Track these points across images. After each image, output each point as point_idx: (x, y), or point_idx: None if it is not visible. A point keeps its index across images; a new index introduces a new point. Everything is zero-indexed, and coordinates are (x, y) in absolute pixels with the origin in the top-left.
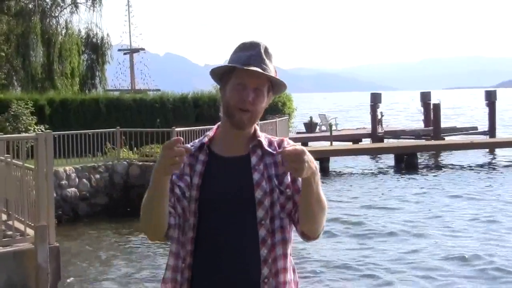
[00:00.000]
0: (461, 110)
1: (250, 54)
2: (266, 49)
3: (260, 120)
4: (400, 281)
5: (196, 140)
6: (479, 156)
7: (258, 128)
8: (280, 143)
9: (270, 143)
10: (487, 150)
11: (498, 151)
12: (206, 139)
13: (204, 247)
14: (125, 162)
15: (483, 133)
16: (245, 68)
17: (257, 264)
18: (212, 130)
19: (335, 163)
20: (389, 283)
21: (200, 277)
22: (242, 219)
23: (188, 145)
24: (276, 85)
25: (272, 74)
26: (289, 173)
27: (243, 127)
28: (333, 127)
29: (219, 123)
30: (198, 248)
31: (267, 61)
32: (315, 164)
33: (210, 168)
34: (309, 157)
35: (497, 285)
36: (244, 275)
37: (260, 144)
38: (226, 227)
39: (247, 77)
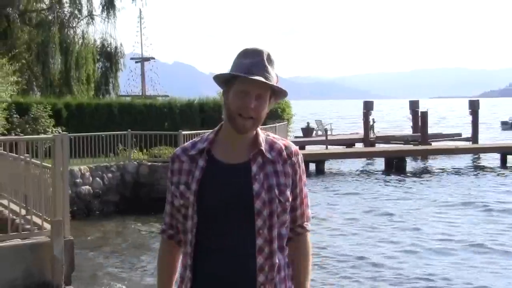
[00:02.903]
0: (447, 118)
1: (253, 61)
2: (268, 56)
3: (261, 125)
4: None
5: (197, 139)
6: (463, 160)
7: (260, 132)
8: (281, 150)
9: (271, 147)
10: (470, 154)
11: (480, 156)
12: (206, 144)
13: (203, 250)
14: (135, 163)
15: (467, 139)
16: (252, 78)
17: (254, 272)
18: (213, 132)
19: (330, 165)
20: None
21: (199, 278)
22: (240, 226)
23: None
24: (277, 92)
25: (274, 81)
26: (290, 187)
27: (245, 132)
28: (329, 132)
29: (221, 123)
30: (198, 251)
31: (269, 68)
32: None
33: (209, 174)
34: None
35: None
36: (240, 282)
37: (261, 152)
38: (224, 233)
39: (250, 85)
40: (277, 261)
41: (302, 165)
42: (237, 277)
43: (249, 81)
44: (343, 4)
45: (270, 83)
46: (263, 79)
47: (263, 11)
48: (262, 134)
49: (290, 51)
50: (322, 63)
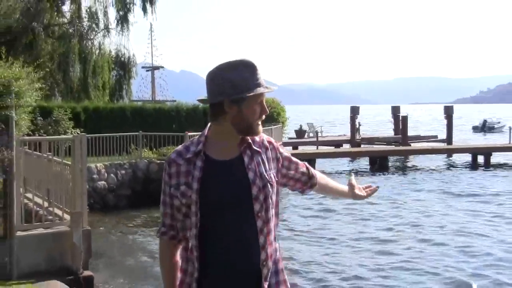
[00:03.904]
0: (425, 122)
1: (257, 75)
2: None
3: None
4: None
5: (187, 143)
6: (438, 160)
7: None
8: (262, 140)
9: (253, 140)
10: (445, 155)
11: (454, 155)
12: (201, 146)
13: (210, 242)
14: (146, 161)
15: (442, 140)
16: (272, 89)
17: (257, 250)
18: (202, 135)
19: (320, 164)
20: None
21: (209, 267)
22: (242, 213)
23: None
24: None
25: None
26: (275, 169)
27: (260, 133)
28: (319, 134)
29: (209, 126)
30: (205, 243)
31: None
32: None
33: (208, 172)
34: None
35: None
36: (247, 261)
37: (249, 145)
38: (228, 222)
39: (263, 96)
40: (274, 240)
41: (280, 147)
42: (242, 259)
43: (265, 92)
44: (334, 18)
45: (273, 89)
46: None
47: (262, 23)
48: None
49: (286, 60)
50: (314, 71)
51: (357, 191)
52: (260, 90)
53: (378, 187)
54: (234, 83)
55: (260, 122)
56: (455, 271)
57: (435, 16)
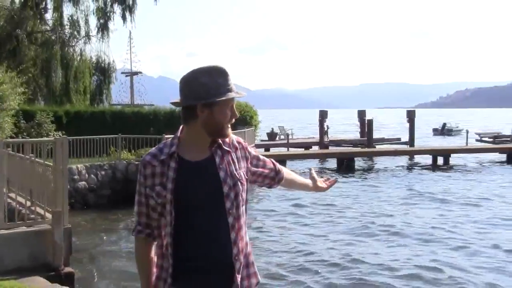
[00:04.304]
0: (389, 125)
1: (228, 81)
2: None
3: (232, 130)
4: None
5: (160, 145)
6: (401, 161)
7: None
8: (231, 141)
9: (223, 141)
10: (408, 156)
11: (415, 157)
12: (174, 148)
13: (184, 239)
14: (124, 162)
15: (405, 143)
16: (241, 94)
17: (229, 245)
18: (175, 138)
19: (290, 165)
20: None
21: (184, 262)
22: (214, 211)
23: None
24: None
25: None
26: (245, 168)
27: (228, 136)
28: (289, 137)
29: (181, 128)
30: (179, 240)
31: None
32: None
33: (181, 173)
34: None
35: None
36: (220, 256)
37: (219, 146)
38: (201, 220)
39: (233, 101)
40: (244, 235)
41: (249, 147)
42: (215, 254)
43: (234, 97)
44: (303, 26)
45: (244, 95)
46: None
47: (236, 32)
48: None
49: (258, 66)
50: (285, 77)
51: (318, 183)
52: (231, 95)
53: (336, 179)
54: (207, 88)
55: (229, 125)
56: (410, 261)
57: (397, 25)
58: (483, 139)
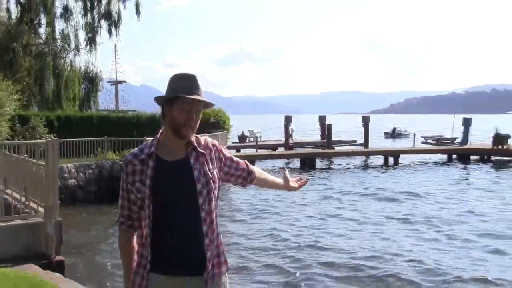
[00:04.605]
0: (346, 128)
1: (192, 84)
2: (198, 79)
3: (207, 132)
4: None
5: (142, 146)
6: (357, 160)
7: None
8: (206, 143)
9: (199, 143)
10: (363, 156)
11: (370, 157)
12: (153, 149)
13: (161, 230)
14: (110, 161)
15: (360, 144)
16: (192, 97)
17: (201, 237)
18: (155, 139)
19: (259, 165)
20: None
21: (161, 251)
22: (188, 206)
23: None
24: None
25: (205, 99)
26: (217, 168)
27: (188, 138)
28: (258, 139)
29: (161, 131)
30: (157, 231)
31: (201, 88)
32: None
33: (159, 171)
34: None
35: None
36: (193, 246)
37: (194, 147)
38: (176, 213)
39: (192, 103)
40: (215, 227)
41: (223, 149)
42: (189, 244)
43: (192, 100)
44: (271, 38)
45: (206, 100)
46: (201, 98)
47: (210, 46)
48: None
49: (230, 75)
50: (254, 86)
51: (290, 183)
52: (181, 94)
53: (308, 179)
54: (170, 88)
55: (190, 128)
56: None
57: (352, 40)
58: (428, 141)
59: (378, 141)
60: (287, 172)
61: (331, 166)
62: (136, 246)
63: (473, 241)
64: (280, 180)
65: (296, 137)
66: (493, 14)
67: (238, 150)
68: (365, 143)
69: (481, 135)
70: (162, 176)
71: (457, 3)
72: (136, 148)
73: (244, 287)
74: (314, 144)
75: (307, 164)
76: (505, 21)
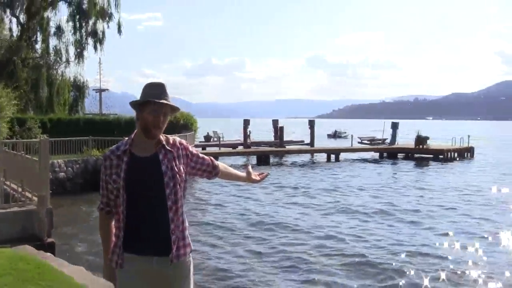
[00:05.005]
0: (296, 130)
1: (160, 91)
2: (166, 87)
3: (177, 133)
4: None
5: (120, 143)
6: (305, 157)
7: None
8: (174, 142)
9: (168, 142)
10: (309, 154)
11: (315, 155)
12: (127, 146)
13: (134, 215)
14: (94, 158)
15: (307, 144)
16: (160, 101)
17: (168, 222)
18: (130, 138)
19: (221, 161)
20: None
21: (134, 233)
22: (157, 195)
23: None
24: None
25: (172, 103)
26: (183, 164)
27: (156, 138)
28: (221, 139)
29: (135, 131)
30: (131, 216)
31: (169, 95)
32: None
33: (132, 165)
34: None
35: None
36: (161, 230)
37: (163, 146)
38: (147, 202)
39: (159, 107)
40: (180, 215)
41: (190, 147)
42: (156, 230)
43: (160, 104)
44: (230, 53)
45: (171, 104)
46: (168, 102)
47: (180, 58)
48: (162, 136)
49: (197, 85)
50: (218, 93)
51: (252, 176)
52: (151, 99)
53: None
54: (142, 95)
55: (158, 129)
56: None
57: (299, 53)
58: (363, 141)
59: (322, 141)
60: (250, 167)
61: (283, 162)
62: (113, 229)
63: (401, 220)
64: (243, 174)
65: (253, 138)
66: (415, 38)
67: (203, 148)
68: (311, 143)
69: (406, 137)
70: (135, 170)
71: (390, 27)
72: (114, 145)
73: (206, 265)
74: (268, 144)
75: (263, 160)
76: (425, 42)
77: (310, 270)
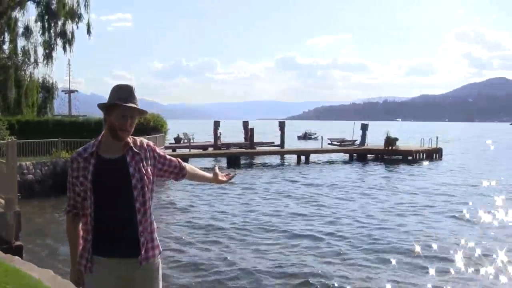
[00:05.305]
0: (266, 131)
1: (128, 94)
2: (134, 90)
3: (147, 135)
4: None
5: (87, 145)
6: (275, 159)
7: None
8: (142, 144)
9: (135, 144)
10: (279, 155)
11: (285, 156)
12: (94, 148)
13: (102, 218)
14: (63, 159)
15: (278, 145)
16: (127, 105)
17: (136, 224)
18: (97, 140)
19: (192, 162)
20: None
21: (102, 236)
22: (124, 198)
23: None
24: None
25: (139, 106)
26: (151, 165)
27: (123, 140)
28: (191, 141)
29: (103, 133)
30: (98, 218)
31: (136, 97)
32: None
33: (99, 167)
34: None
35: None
36: (129, 232)
37: (131, 148)
38: (115, 204)
39: (127, 110)
40: (149, 217)
41: (157, 149)
42: (124, 232)
43: (127, 107)
44: (200, 54)
45: (139, 107)
46: (135, 106)
47: (149, 60)
48: (129, 138)
49: (168, 87)
50: (188, 95)
51: (219, 177)
52: (119, 102)
53: (235, 174)
54: (110, 97)
55: (126, 132)
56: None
57: (269, 56)
58: (333, 143)
59: (292, 143)
60: (217, 168)
61: (253, 163)
62: (81, 232)
63: (371, 217)
64: (209, 175)
65: (224, 139)
66: (383, 40)
67: (174, 150)
68: (282, 144)
69: (376, 138)
70: (102, 172)
71: (358, 29)
72: (81, 147)
73: (175, 266)
74: (239, 145)
75: (233, 161)
76: (393, 44)
77: (284, 265)
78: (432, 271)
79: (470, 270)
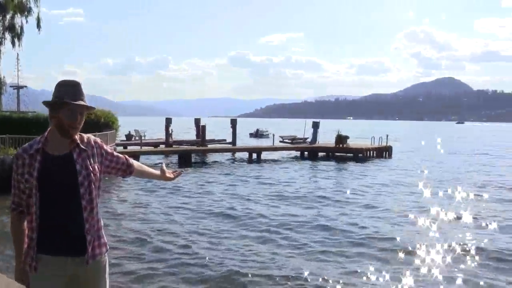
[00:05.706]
0: (218, 129)
1: (76, 91)
2: (81, 85)
3: (98, 132)
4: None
5: (31, 142)
6: (226, 156)
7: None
8: (89, 141)
9: (82, 140)
10: (231, 153)
11: (237, 153)
12: (40, 145)
13: (47, 215)
14: (11, 157)
15: (229, 143)
16: (77, 103)
17: (82, 222)
18: (43, 136)
19: (143, 160)
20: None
21: (48, 234)
22: (71, 195)
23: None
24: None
25: (87, 103)
26: (98, 162)
27: (72, 137)
28: (143, 138)
29: (49, 129)
30: (43, 216)
31: (84, 93)
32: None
33: (45, 165)
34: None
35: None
36: (75, 230)
37: (77, 144)
38: (61, 201)
39: (76, 107)
40: (95, 214)
41: (104, 145)
42: (71, 228)
43: (76, 105)
44: (152, 52)
45: (88, 105)
46: (84, 103)
47: (102, 57)
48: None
49: (119, 83)
50: (140, 92)
51: (167, 174)
52: (67, 100)
53: (182, 171)
54: (57, 93)
55: (74, 129)
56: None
57: (221, 53)
58: (284, 140)
59: (244, 140)
60: (164, 165)
61: (205, 161)
62: (26, 230)
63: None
64: (157, 172)
65: (175, 136)
66: (335, 39)
67: (125, 147)
68: (233, 141)
69: (327, 136)
70: (48, 169)
71: (310, 28)
72: (26, 144)
73: (122, 263)
74: (190, 142)
75: (184, 159)
76: (345, 43)
77: (241, 259)
78: (374, 262)
79: (408, 261)
